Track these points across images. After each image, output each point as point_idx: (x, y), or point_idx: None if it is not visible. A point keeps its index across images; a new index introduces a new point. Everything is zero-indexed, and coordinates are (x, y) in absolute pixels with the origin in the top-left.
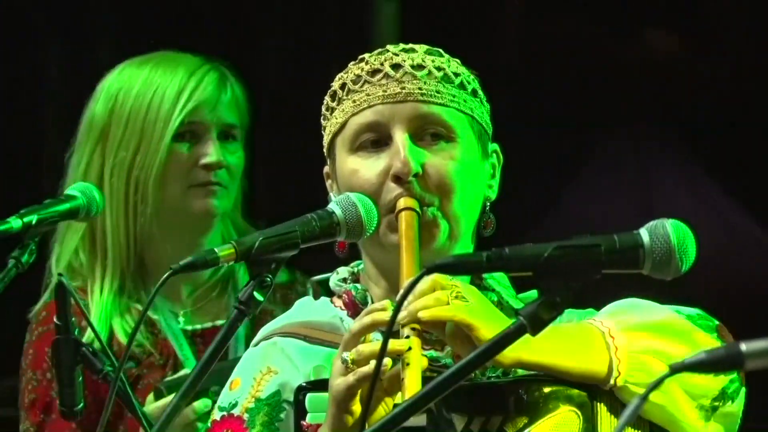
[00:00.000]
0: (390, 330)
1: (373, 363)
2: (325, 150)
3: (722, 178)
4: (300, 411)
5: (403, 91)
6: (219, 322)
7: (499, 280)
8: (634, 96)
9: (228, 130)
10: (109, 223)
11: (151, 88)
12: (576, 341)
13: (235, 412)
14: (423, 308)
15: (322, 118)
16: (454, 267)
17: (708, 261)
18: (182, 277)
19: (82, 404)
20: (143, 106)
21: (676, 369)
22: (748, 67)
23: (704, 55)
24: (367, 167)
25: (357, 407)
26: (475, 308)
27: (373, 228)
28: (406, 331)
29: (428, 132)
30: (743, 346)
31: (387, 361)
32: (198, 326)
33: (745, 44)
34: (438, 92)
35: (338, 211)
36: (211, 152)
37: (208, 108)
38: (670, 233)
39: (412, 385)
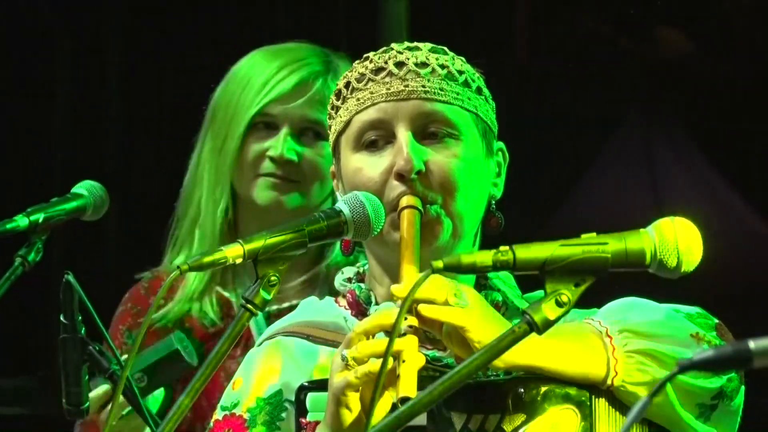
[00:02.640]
0: (395, 329)
1: (371, 361)
2: (330, 149)
3: (731, 175)
4: (301, 410)
5: (407, 88)
6: (295, 302)
7: (504, 279)
8: (642, 94)
9: (309, 125)
10: (204, 207)
11: (248, 75)
12: (573, 341)
13: (237, 411)
14: (423, 299)
15: (327, 117)
16: (459, 266)
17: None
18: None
19: (87, 403)
20: (237, 93)
21: (683, 366)
22: (757, 64)
23: (713, 54)
24: (370, 165)
25: (355, 404)
26: (470, 310)
27: (380, 227)
28: (404, 327)
29: (431, 130)
30: (752, 344)
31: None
32: (275, 307)
33: (755, 42)
34: (441, 90)
35: (346, 210)
36: (278, 145)
37: (286, 102)
38: (676, 232)
39: (408, 381)
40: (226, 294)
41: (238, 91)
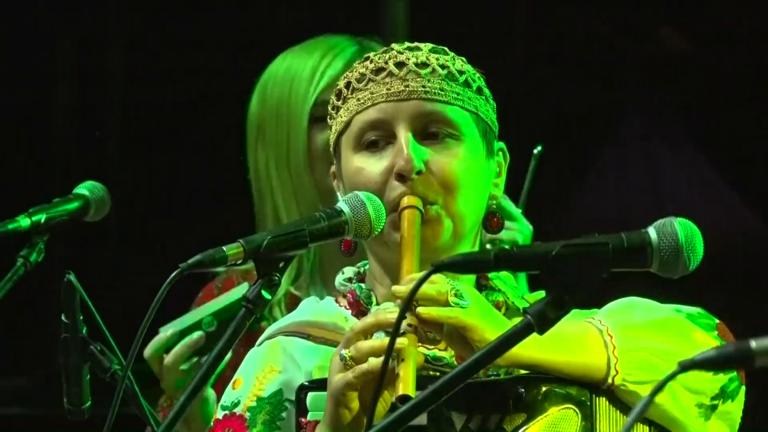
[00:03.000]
0: (397, 329)
1: (371, 360)
2: (331, 149)
3: (732, 174)
4: (301, 410)
5: (407, 89)
6: None
7: (505, 280)
8: (644, 94)
9: None
10: (286, 218)
11: (289, 74)
12: (573, 340)
13: (237, 411)
14: (423, 299)
15: (328, 117)
16: (461, 265)
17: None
18: (335, 258)
19: (89, 402)
20: (285, 93)
21: (685, 366)
22: (757, 63)
23: (713, 53)
24: (370, 165)
25: (354, 404)
26: (470, 310)
27: (380, 227)
28: (403, 326)
29: (432, 130)
30: (753, 343)
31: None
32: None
33: (755, 41)
34: (442, 90)
35: (347, 210)
36: None
37: None
38: (677, 231)
39: (407, 380)
40: (297, 293)
41: (286, 92)
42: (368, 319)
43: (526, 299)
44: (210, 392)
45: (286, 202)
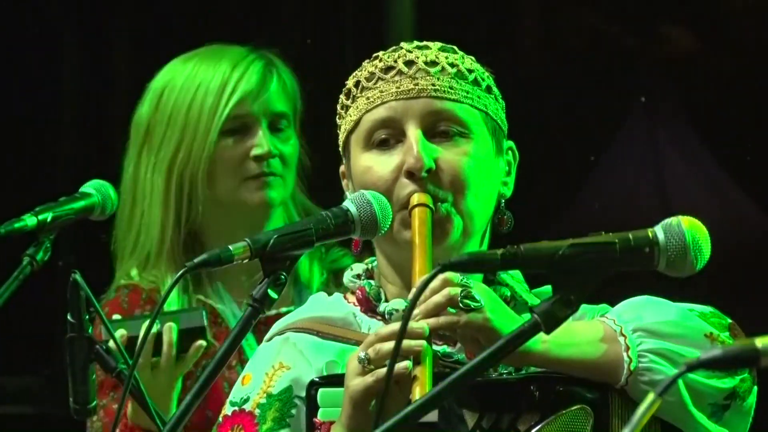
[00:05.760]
0: (403, 329)
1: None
2: (340, 148)
3: (739, 173)
4: (312, 406)
5: (416, 87)
6: (283, 310)
7: (512, 274)
8: (651, 92)
9: (277, 118)
10: (152, 222)
11: (194, 83)
12: (587, 340)
13: (246, 407)
14: (435, 306)
15: (337, 116)
16: (468, 265)
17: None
18: (241, 266)
19: (95, 402)
20: (186, 102)
21: (691, 366)
22: (764, 62)
23: (720, 51)
24: (380, 164)
25: (372, 407)
26: (481, 312)
27: (387, 225)
28: (420, 326)
29: (441, 128)
30: (758, 343)
31: (407, 363)
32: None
33: (762, 39)
34: (451, 88)
35: (353, 209)
36: (261, 143)
37: (254, 99)
38: (684, 231)
39: (423, 382)
40: (210, 302)
41: (186, 101)
42: (395, 326)
43: (534, 294)
44: None
45: (155, 209)
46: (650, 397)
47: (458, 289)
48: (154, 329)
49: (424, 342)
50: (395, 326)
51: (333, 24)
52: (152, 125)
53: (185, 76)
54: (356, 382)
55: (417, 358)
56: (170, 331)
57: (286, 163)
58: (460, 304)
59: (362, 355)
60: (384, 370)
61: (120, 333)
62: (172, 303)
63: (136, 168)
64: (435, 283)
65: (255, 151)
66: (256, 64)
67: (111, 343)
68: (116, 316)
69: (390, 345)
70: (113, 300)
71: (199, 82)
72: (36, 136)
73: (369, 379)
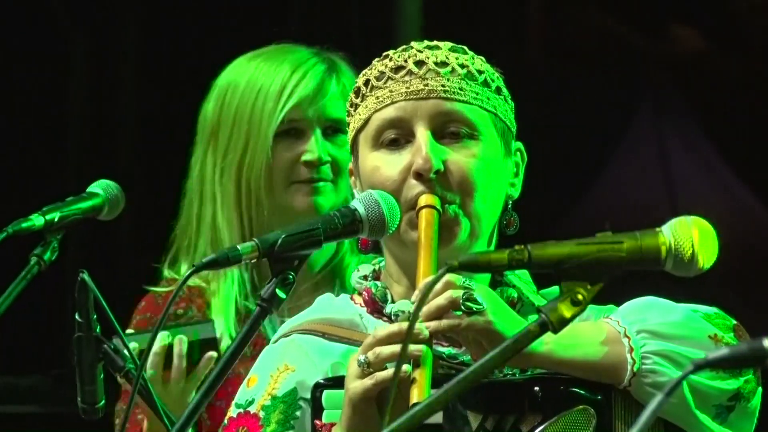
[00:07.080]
0: (409, 333)
1: (390, 367)
2: (349, 146)
3: (746, 173)
4: (317, 408)
5: (426, 87)
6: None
7: (519, 275)
8: (658, 92)
9: (334, 124)
10: (224, 226)
11: (256, 86)
12: (591, 340)
13: (251, 409)
14: (437, 309)
15: (346, 114)
16: (474, 266)
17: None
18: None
19: (103, 401)
20: (248, 105)
21: (698, 365)
22: None
23: (728, 51)
24: (389, 164)
25: (372, 409)
26: (484, 315)
27: (395, 225)
28: (422, 329)
29: (450, 129)
30: (766, 342)
31: (406, 366)
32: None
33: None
34: (461, 89)
35: (361, 209)
36: (312, 149)
37: (310, 104)
38: (691, 231)
39: (422, 385)
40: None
41: (248, 104)
42: (392, 328)
43: (541, 295)
44: None
45: (227, 213)
46: (658, 398)
47: (460, 292)
48: (167, 341)
49: (423, 345)
50: (392, 328)
51: (340, 22)
52: (217, 125)
53: (248, 77)
54: (355, 385)
55: (417, 362)
56: (181, 343)
57: (339, 168)
58: (462, 307)
59: (362, 358)
60: (383, 373)
61: (132, 346)
62: (224, 304)
63: (203, 167)
64: (437, 285)
65: (305, 157)
66: (317, 68)
67: (117, 342)
68: (129, 330)
69: (389, 348)
70: (149, 296)
71: (261, 85)
72: (43, 136)
73: (368, 382)
